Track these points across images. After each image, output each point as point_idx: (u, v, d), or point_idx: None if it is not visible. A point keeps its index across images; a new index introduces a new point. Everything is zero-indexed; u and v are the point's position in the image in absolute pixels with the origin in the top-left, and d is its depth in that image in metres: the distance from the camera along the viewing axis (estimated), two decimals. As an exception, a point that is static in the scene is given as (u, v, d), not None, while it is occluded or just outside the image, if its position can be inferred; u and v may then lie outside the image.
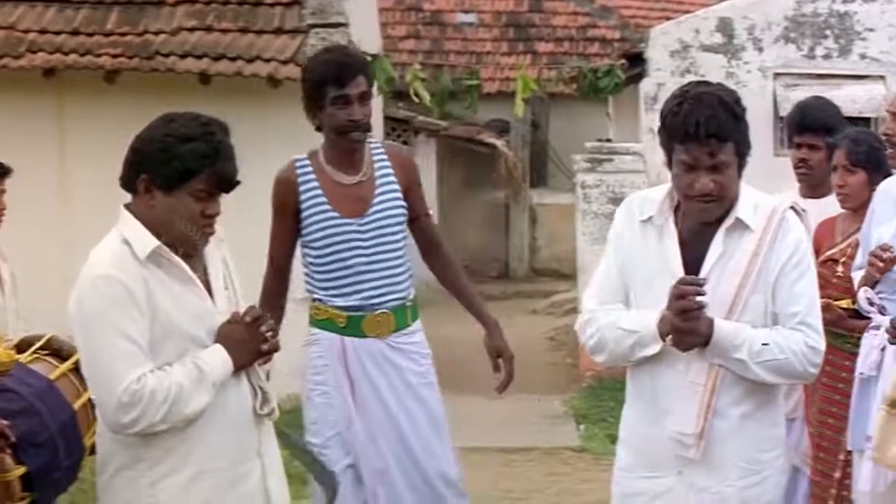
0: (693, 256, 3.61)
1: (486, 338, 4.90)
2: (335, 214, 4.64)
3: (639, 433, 3.75)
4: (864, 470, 4.55)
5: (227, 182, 3.46)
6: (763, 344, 3.55)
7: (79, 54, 9.74)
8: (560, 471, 8.28)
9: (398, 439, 4.66)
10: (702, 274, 3.60)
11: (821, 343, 3.65)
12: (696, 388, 3.58)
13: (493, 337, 4.88)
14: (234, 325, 3.50)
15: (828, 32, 10.93)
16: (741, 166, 3.60)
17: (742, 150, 3.58)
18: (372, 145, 4.76)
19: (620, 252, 3.72)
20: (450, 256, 4.97)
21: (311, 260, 4.70)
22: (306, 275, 4.75)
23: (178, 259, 3.45)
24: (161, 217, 3.42)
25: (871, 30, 10.88)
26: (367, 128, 4.64)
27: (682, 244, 3.64)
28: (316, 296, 4.70)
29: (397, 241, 4.70)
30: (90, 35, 9.94)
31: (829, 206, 5.27)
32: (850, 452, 4.89)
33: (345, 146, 4.66)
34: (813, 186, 5.38)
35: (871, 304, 4.64)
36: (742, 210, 3.61)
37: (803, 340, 3.60)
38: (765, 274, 3.59)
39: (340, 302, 4.64)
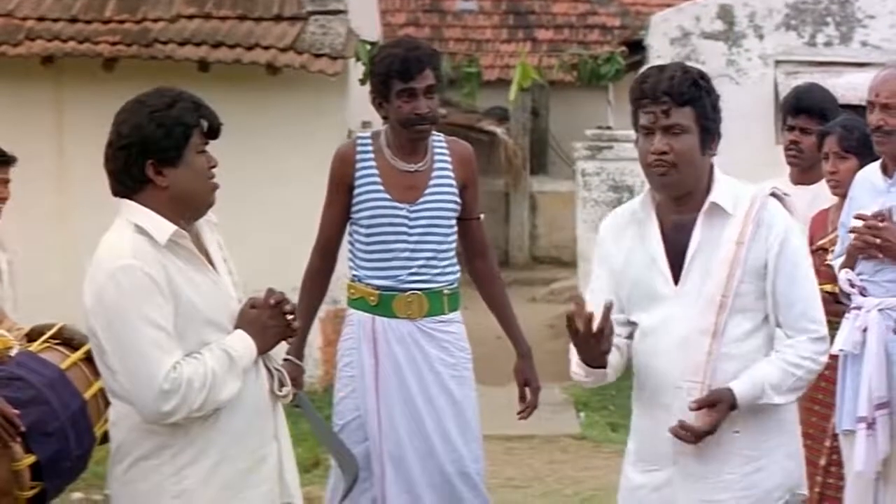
0: (676, 247, 3.63)
1: (516, 365, 4.93)
2: (387, 197, 4.66)
3: (639, 426, 3.77)
4: (859, 450, 4.56)
5: (216, 128, 3.51)
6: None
7: (77, 42, 9.72)
8: (560, 458, 8.29)
9: (417, 427, 4.65)
10: (686, 264, 3.60)
11: (823, 330, 3.66)
12: (692, 386, 3.59)
13: (524, 366, 4.92)
14: (257, 309, 3.50)
15: (829, 20, 10.92)
16: (706, 141, 3.60)
17: (705, 121, 3.59)
18: (435, 138, 4.77)
19: (608, 262, 3.74)
20: (494, 267, 4.98)
21: (356, 238, 4.73)
22: (350, 252, 4.77)
23: (191, 245, 3.44)
24: (179, 190, 3.42)
25: (872, 17, 10.87)
26: (433, 120, 4.65)
27: (665, 237, 3.65)
28: (354, 273, 4.74)
29: (444, 233, 4.71)
30: (88, 22, 9.91)
31: (820, 192, 5.27)
32: (835, 438, 4.90)
33: (409, 137, 4.68)
34: (803, 171, 5.38)
35: (853, 285, 4.66)
36: (718, 195, 3.61)
37: (807, 339, 3.62)
38: (752, 262, 3.59)
39: (374, 281, 4.66)
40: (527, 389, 4.92)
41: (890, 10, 10.87)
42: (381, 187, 4.67)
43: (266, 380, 3.55)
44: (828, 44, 10.91)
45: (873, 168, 4.79)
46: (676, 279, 3.63)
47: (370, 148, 4.72)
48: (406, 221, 4.66)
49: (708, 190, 3.64)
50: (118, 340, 3.34)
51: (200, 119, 3.45)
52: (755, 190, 3.66)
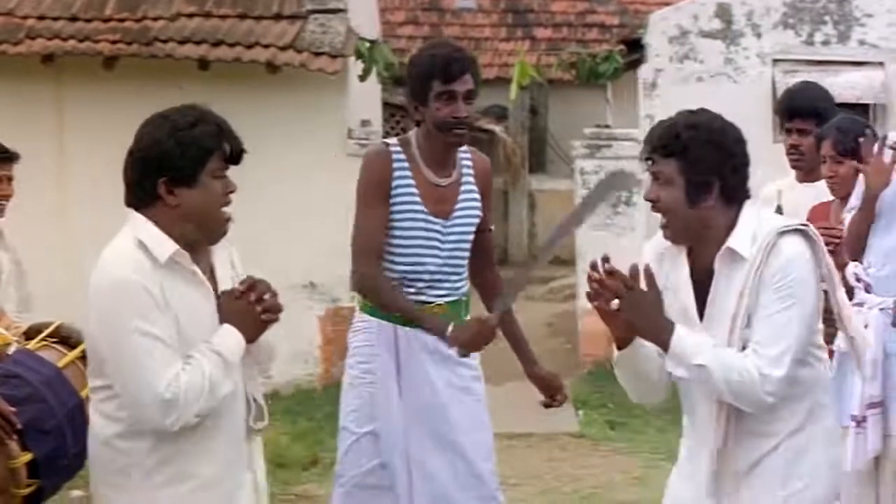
0: (702, 290, 3.58)
1: (533, 371, 4.82)
2: (424, 209, 4.57)
3: (683, 451, 3.77)
4: (847, 449, 4.57)
5: (238, 154, 3.50)
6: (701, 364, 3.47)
7: (77, 40, 9.73)
8: (559, 456, 8.30)
9: (444, 423, 4.59)
10: (706, 311, 3.55)
11: (774, 371, 3.45)
12: (710, 452, 3.57)
13: (539, 369, 4.83)
14: (232, 300, 3.50)
15: (826, 18, 10.93)
16: (694, 194, 3.52)
17: (692, 175, 3.51)
18: (460, 149, 4.69)
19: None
20: (500, 278, 4.89)
21: (389, 248, 4.58)
22: None
23: (193, 265, 3.44)
24: (189, 212, 3.42)
25: (869, 16, 10.88)
26: (468, 126, 4.56)
27: (694, 281, 3.59)
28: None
29: (468, 247, 4.66)
30: (89, 21, 9.93)
31: (825, 190, 5.27)
32: None
33: (443, 143, 4.57)
34: (807, 172, 5.38)
35: (859, 279, 4.65)
36: (735, 240, 3.53)
37: (755, 364, 3.45)
38: (752, 306, 3.50)
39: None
40: (551, 385, 4.82)
41: (888, 8, 10.88)
42: (418, 199, 4.57)
43: (243, 409, 3.55)
44: (825, 42, 10.92)
45: None
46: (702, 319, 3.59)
47: (404, 157, 4.60)
48: (439, 237, 4.59)
49: (728, 234, 3.55)
50: (119, 354, 3.36)
51: (222, 143, 3.44)
52: (766, 232, 3.53)
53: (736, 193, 3.58)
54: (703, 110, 3.66)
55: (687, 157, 3.52)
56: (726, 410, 3.54)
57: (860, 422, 4.56)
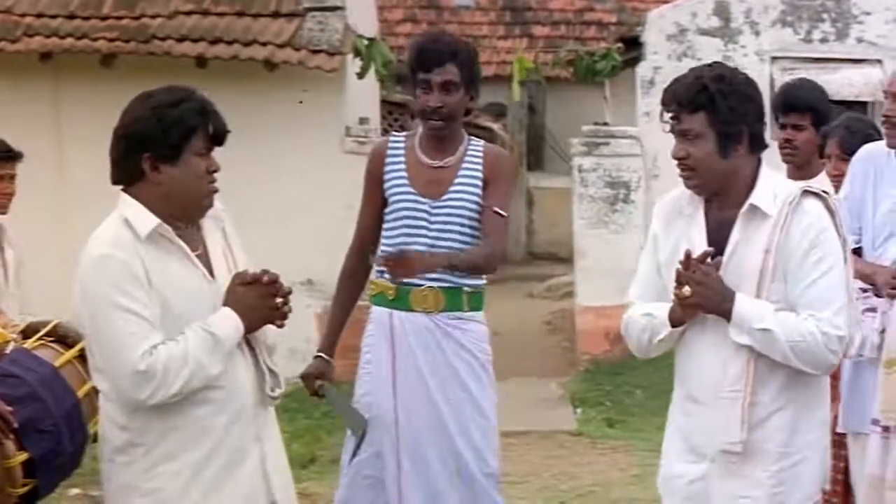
0: (718, 246, 3.62)
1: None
2: (411, 190, 4.66)
3: (677, 421, 3.80)
4: (873, 453, 4.54)
5: (222, 134, 3.52)
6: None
7: (75, 38, 9.73)
8: (557, 454, 8.30)
9: (438, 425, 4.61)
10: (723, 266, 3.60)
11: (834, 330, 3.54)
12: (735, 396, 3.59)
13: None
14: (248, 287, 3.52)
15: (825, 16, 10.93)
16: (725, 145, 3.60)
17: (722, 126, 3.58)
18: (473, 142, 4.76)
19: (657, 252, 3.75)
20: (486, 248, 4.69)
21: (383, 232, 4.72)
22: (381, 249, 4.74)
23: (178, 239, 3.48)
24: (173, 189, 3.46)
25: (868, 13, 10.89)
26: (444, 116, 4.62)
27: (710, 234, 3.65)
28: (377, 268, 4.71)
29: (464, 232, 4.67)
30: (86, 19, 9.93)
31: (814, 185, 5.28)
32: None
33: (427, 129, 4.70)
34: (799, 167, 5.38)
35: (864, 290, 4.61)
36: (758, 196, 3.60)
37: (815, 325, 3.54)
38: (782, 262, 3.57)
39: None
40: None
41: (886, 6, 10.89)
42: (406, 181, 4.67)
43: (253, 381, 3.58)
44: (824, 40, 10.92)
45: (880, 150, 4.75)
46: None
47: (402, 144, 4.74)
48: (427, 216, 4.64)
49: (751, 187, 3.63)
50: (96, 328, 3.43)
51: (205, 121, 3.47)
52: (789, 190, 3.62)
53: (760, 142, 3.67)
54: (718, 63, 3.77)
55: (716, 108, 3.59)
56: (748, 356, 3.57)
57: (886, 427, 4.52)
